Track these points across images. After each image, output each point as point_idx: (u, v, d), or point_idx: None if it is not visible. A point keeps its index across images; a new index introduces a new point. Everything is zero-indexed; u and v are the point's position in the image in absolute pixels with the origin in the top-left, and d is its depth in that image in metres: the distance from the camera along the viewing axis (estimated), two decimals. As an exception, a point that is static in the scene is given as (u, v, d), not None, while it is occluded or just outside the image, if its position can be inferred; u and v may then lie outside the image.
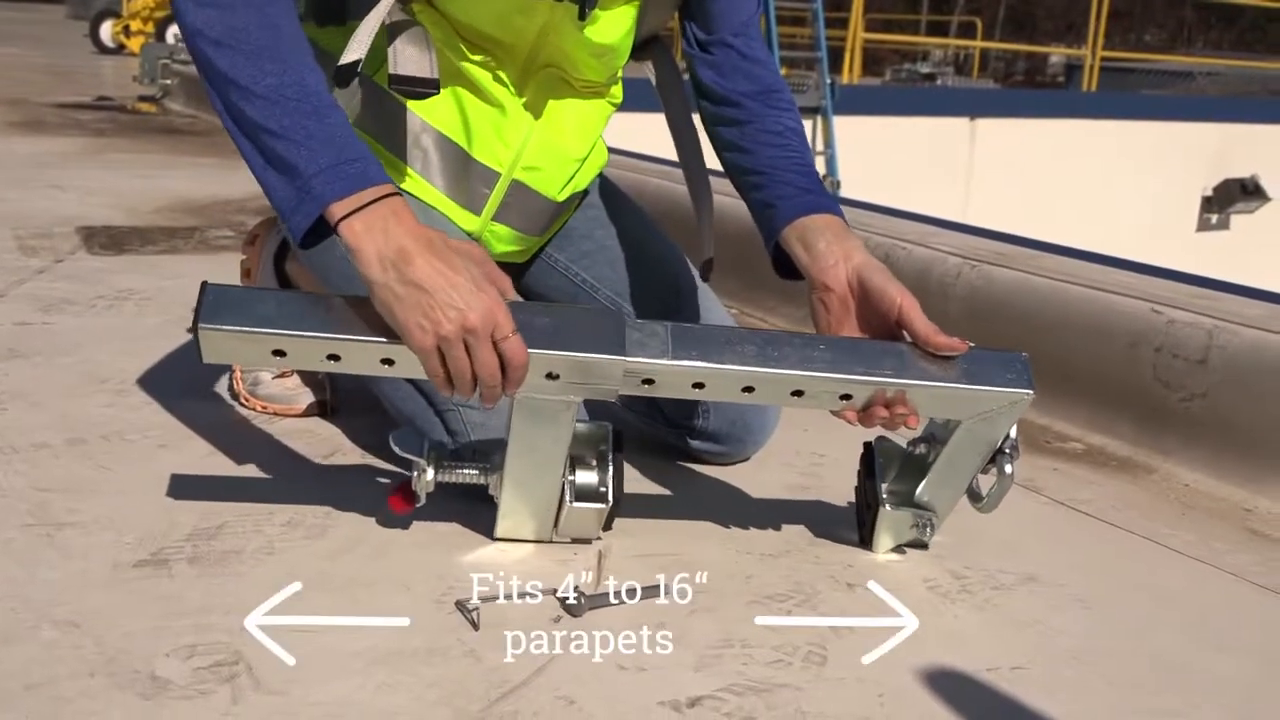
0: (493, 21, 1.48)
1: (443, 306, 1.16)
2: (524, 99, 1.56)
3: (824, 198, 1.46)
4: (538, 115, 1.58)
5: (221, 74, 1.22)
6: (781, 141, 1.54)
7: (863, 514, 1.52)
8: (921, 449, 1.45)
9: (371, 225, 1.18)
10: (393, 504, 1.42)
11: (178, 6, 1.24)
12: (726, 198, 1.80)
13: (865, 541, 1.50)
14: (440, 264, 1.17)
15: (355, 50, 1.36)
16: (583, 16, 1.44)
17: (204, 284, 1.22)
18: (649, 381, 1.29)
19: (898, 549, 1.50)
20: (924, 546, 1.50)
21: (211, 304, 1.20)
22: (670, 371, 1.28)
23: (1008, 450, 1.39)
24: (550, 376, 1.26)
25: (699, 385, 1.30)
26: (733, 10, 1.58)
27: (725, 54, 1.59)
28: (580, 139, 1.63)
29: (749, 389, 1.30)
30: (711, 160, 1.68)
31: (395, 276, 1.16)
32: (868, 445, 1.52)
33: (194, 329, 1.20)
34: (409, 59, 1.43)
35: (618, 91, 1.69)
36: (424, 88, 1.43)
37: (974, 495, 1.46)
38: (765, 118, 1.55)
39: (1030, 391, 1.33)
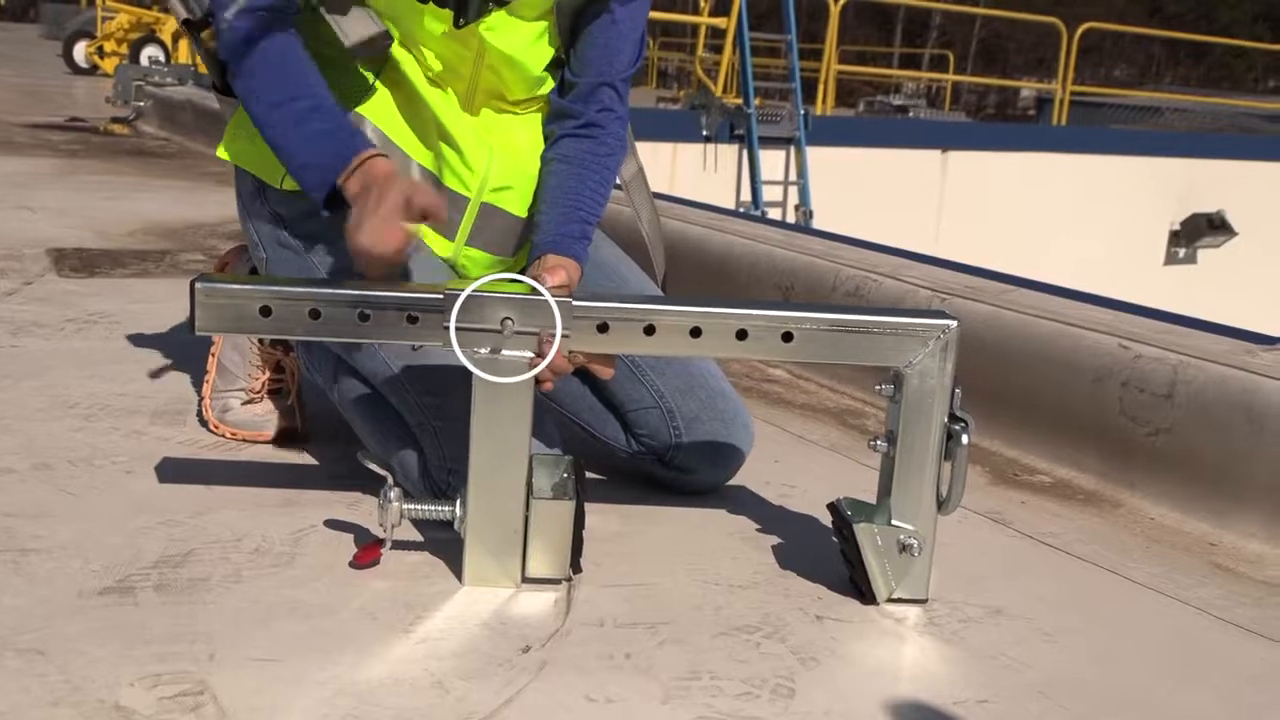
0: (443, 49, 1.60)
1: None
2: (476, 129, 1.66)
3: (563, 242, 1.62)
4: (493, 140, 1.67)
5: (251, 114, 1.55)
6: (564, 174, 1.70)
7: (850, 563, 1.47)
8: (882, 445, 1.46)
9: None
10: (359, 559, 1.44)
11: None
12: (694, 227, 1.82)
13: (864, 591, 1.45)
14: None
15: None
16: (458, 25, 1.57)
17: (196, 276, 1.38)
18: (603, 328, 1.40)
19: (899, 601, 1.46)
20: (923, 601, 1.46)
21: (205, 278, 1.38)
22: (621, 313, 1.40)
23: (958, 425, 1.42)
24: (504, 322, 1.36)
25: (649, 330, 1.40)
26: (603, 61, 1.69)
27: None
28: (536, 152, 1.72)
29: (697, 331, 1.41)
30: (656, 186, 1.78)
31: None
32: (832, 505, 1.51)
33: (190, 296, 1.35)
34: (356, 26, 1.56)
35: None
36: (382, 41, 1.58)
37: (940, 502, 1.45)
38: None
39: (953, 321, 1.44)
